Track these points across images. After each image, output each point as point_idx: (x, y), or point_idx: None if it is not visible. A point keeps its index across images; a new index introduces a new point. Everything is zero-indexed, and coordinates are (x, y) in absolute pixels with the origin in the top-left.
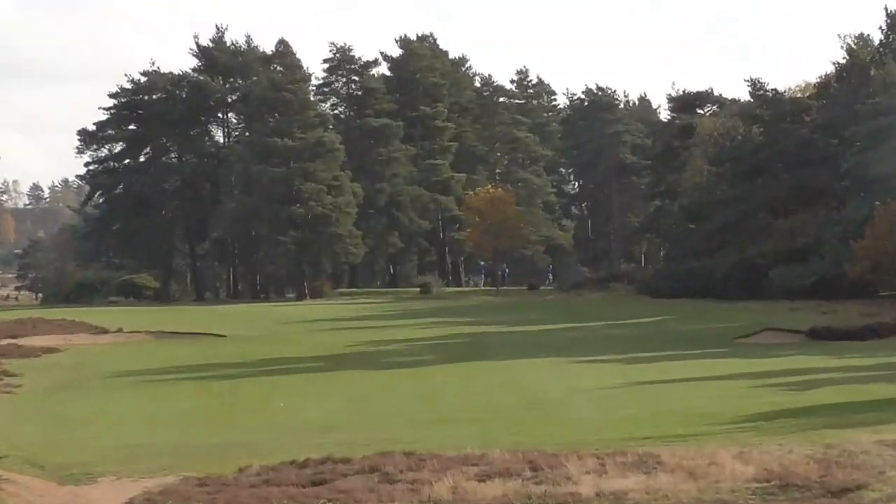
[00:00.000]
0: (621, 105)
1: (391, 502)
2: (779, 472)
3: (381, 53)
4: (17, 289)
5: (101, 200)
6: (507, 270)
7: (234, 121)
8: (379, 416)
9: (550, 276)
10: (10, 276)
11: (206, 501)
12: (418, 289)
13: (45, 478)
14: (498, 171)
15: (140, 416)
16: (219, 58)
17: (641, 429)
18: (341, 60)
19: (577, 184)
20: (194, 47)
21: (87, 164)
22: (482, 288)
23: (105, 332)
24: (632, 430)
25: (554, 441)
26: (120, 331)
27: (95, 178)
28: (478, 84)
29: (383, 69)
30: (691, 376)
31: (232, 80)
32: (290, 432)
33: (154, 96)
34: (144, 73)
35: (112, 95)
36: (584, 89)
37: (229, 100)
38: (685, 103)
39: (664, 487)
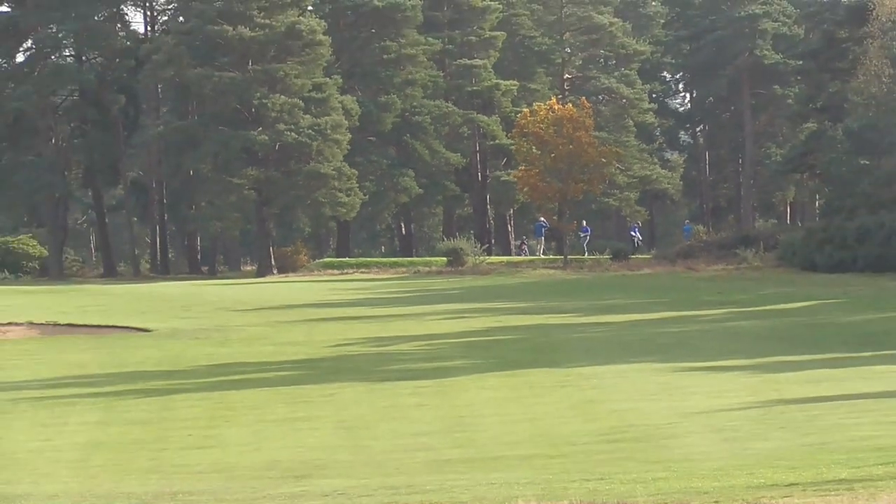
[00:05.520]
0: None
1: None
2: None
3: None
4: None
5: None
6: (588, 230)
7: (162, 0)
8: (385, 453)
9: (637, 239)
10: None
11: None
12: (444, 258)
13: None
14: (567, 76)
15: (21, 451)
16: None
17: (783, 471)
18: None
19: (688, 97)
20: None
21: None
22: (541, 257)
23: None
24: (769, 472)
25: (650, 490)
26: None
27: None
28: None
29: None
30: (860, 392)
31: None
32: (249, 477)
33: None
34: None
35: None
36: None
37: None
38: None
39: None
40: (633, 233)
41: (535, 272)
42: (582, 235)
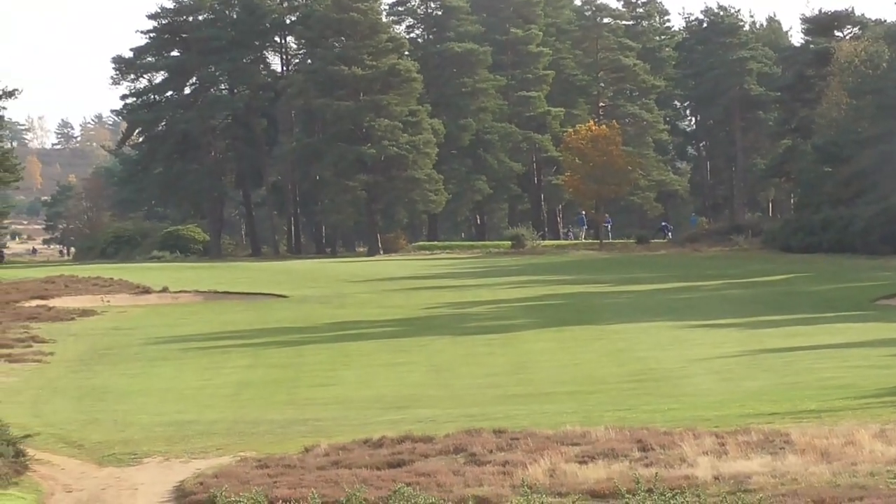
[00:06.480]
0: (746, 27)
1: (479, 486)
2: None
3: None
4: (44, 242)
5: (140, 140)
6: (610, 221)
7: (294, 46)
8: (464, 389)
9: (669, 233)
10: (36, 226)
11: (267, 485)
12: (509, 242)
13: (83, 458)
14: (601, 104)
15: (189, 388)
16: None
17: (767, 404)
18: None
19: (693, 120)
20: None
21: (123, 97)
22: (583, 241)
23: (147, 291)
24: (756, 405)
25: (666, 418)
26: (164, 290)
27: (133, 113)
28: (578, 2)
29: None
30: (825, 343)
31: None
32: (361, 407)
33: (200, 17)
34: None
35: (151, 16)
36: (702, 9)
37: (287, 21)
38: (821, 25)
39: (793, 470)
40: (664, 223)
41: (577, 253)
42: (605, 225)
